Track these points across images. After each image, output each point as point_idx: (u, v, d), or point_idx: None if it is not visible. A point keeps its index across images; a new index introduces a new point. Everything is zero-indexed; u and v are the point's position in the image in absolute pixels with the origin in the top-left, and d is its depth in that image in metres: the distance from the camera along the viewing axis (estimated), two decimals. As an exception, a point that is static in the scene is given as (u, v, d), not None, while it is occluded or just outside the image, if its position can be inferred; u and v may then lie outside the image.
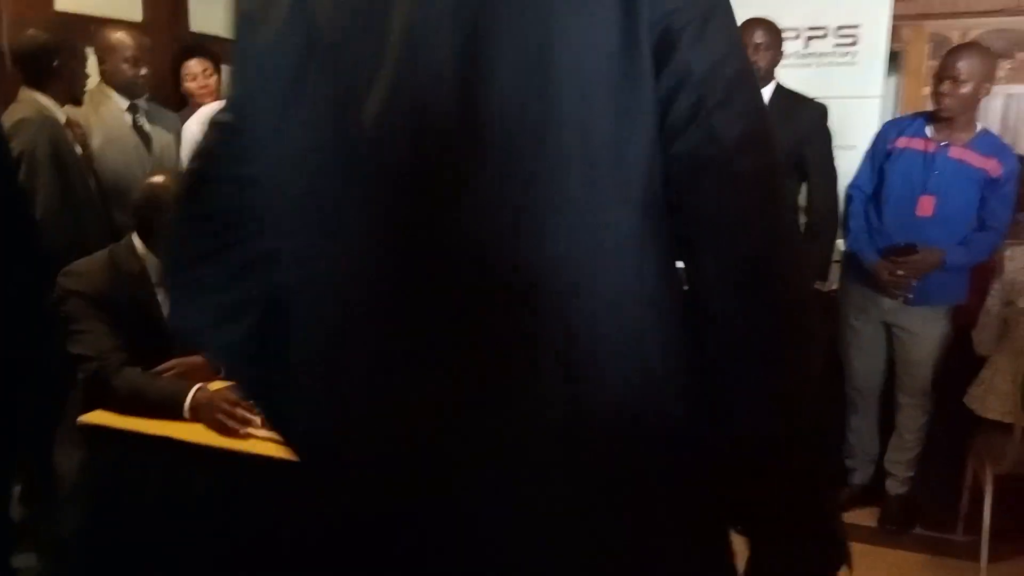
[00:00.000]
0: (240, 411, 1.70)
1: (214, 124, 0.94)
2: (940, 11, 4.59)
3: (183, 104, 3.63)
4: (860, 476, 3.08)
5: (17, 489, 2.45)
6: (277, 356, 0.89)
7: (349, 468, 0.87)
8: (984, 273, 2.87)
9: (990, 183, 2.75)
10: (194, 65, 3.59)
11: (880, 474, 3.04)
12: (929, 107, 2.89)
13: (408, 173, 0.78)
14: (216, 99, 3.58)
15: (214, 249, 0.92)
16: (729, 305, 0.76)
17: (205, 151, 0.95)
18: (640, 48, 0.73)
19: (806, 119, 2.95)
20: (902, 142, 2.84)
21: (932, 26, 4.54)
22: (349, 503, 0.88)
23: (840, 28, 3.92)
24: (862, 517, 3.03)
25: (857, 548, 2.54)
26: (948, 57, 2.77)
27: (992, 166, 2.74)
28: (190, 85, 3.60)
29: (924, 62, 4.38)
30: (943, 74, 2.73)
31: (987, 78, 2.72)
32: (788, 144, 2.87)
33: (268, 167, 0.86)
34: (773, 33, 3.02)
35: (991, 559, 2.59)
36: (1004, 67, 4.53)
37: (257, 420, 1.69)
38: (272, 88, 0.83)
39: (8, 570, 2.29)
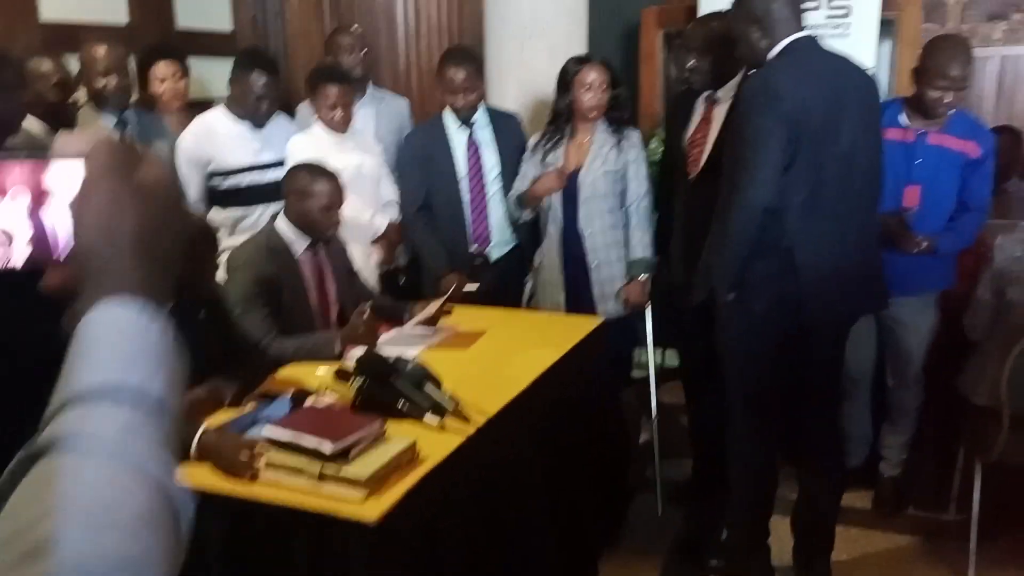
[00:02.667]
0: (247, 453, 1.75)
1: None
2: (934, -27, 4.52)
3: (152, 107, 3.45)
4: (854, 459, 3.14)
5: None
6: None
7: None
8: (970, 257, 2.90)
9: (970, 164, 2.76)
10: (163, 68, 3.40)
11: (875, 457, 3.11)
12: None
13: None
14: (184, 104, 3.45)
15: None
16: None
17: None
18: None
19: None
20: None
21: (926, -11, 4.48)
22: None
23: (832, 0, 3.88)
24: (856, 499, 3.12)
25: (851, 531, 2.73)
26: (946, 62, 2.67)
27: (971, 148, 2.74)
28: (158, 88, 3.41)
29: (918, 28, 4.32)
30: (945, 84, 2.66)
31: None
32: None
33: None
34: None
35: (980, 540, 2.67)
36: (999, 28, 4.48)
37: (262, 463, 1.74)
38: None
39: None
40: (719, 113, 2.71)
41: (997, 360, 2.61)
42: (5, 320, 1.52)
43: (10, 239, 0.61)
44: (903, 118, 2.81)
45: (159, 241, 0.56)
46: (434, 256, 3.19)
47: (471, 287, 2.93)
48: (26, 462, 0.47)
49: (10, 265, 0.62)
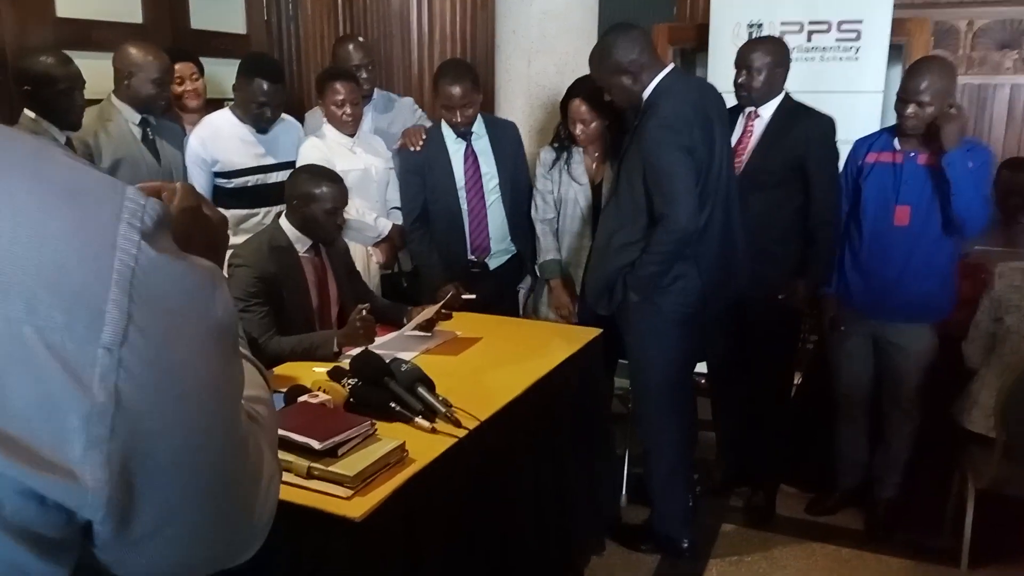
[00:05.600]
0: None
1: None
2: (945, 0, 4.54)
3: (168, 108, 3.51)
4: (849, 480, 3.15)
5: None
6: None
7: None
8: (970, 284, 2.90)
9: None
10: (180, 69, 3.48)
11: (869, 479, 3.10)
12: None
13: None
14: (203, 103, 3.55)
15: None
16: None
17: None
18: None
19: (808, 131, 2.93)
20: (872, 157, 2.88)
21: (937, 15, 4.49)
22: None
23: (842, 23, 3.90)
24: (849, 520, 3.12)
25: (843, 552, 2.71)
26: (911, 79, 2.74)
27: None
28: (176, 89, 3.49)
29: (928, 53, 4.33)
30: (907, 97, 2.72)
31: (949, 94, 2.72)
32: (790, 153, 2.90)
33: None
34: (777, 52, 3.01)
35: (971, 567, 2.66)
36: (1010, 57, 4.49)
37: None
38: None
39: None
40: (759, 126, 2.98)
41: (992, 387, 2.62)
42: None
43: None
44: (896, 141, 2.83)
45: (219, 248, 0.89)
46: (430, 268, 3.21)
47: (468, 297, 2.94)
48: None
49: None
